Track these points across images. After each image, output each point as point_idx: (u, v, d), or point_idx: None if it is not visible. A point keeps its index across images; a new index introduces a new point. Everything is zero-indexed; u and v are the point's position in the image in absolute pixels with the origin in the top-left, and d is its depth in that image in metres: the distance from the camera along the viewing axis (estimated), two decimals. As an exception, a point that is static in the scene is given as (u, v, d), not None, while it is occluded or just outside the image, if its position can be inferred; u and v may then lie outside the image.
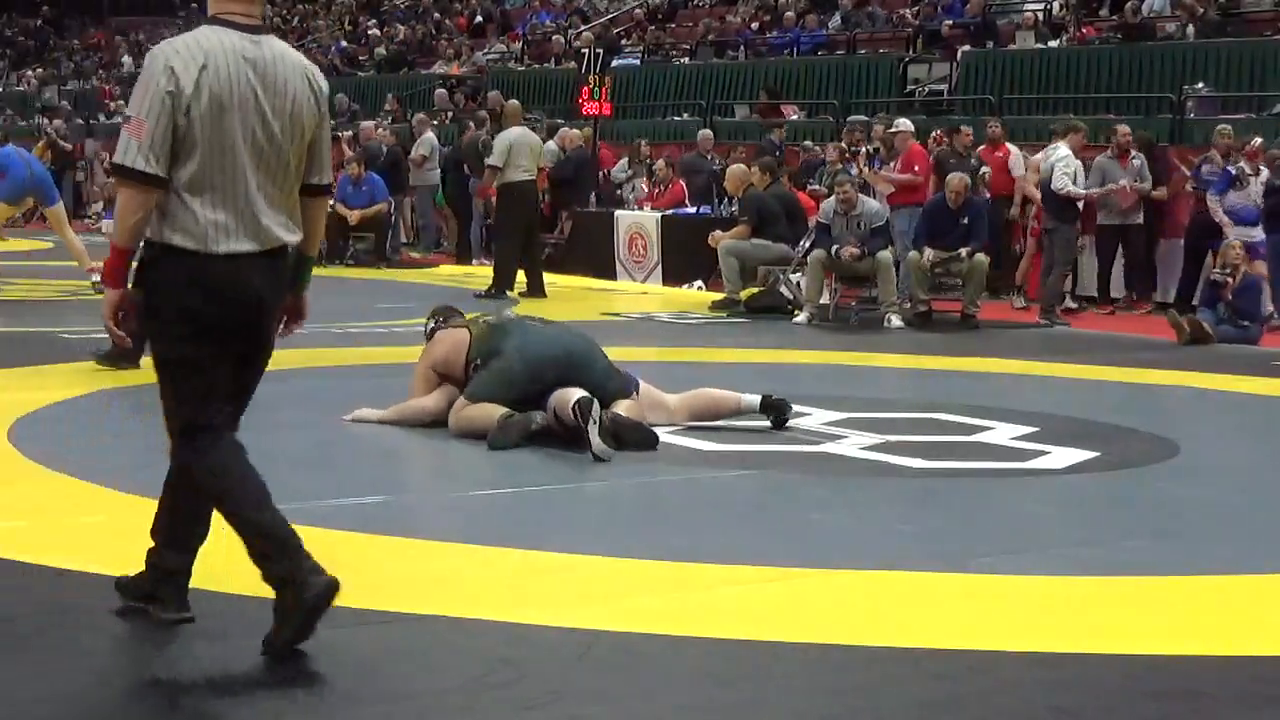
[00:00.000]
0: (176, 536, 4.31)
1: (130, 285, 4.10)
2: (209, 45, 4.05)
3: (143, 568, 4.36)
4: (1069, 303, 14.68)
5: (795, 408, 8.20)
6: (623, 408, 7.25)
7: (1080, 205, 14.15)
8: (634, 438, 7.09)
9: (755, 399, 7.75)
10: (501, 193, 15.09)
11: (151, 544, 4.34)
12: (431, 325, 7.88)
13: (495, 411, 7.10)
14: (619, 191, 19.64)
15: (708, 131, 19.44)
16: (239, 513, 4.11)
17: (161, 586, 4.30)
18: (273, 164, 4.13)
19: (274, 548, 4.06)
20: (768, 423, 7.74)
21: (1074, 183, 13.79)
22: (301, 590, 4.00)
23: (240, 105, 4.05)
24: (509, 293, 14.59)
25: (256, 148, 4.08)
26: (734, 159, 16.55)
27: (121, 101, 33.19)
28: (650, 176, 18.97)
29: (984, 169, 15.45)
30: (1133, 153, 14.65)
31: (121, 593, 4.41)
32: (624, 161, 20.12)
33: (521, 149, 14.92)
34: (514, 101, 17.01)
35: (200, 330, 4.06)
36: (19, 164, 13.97)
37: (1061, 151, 13.85)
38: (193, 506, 4.28)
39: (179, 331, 4.07)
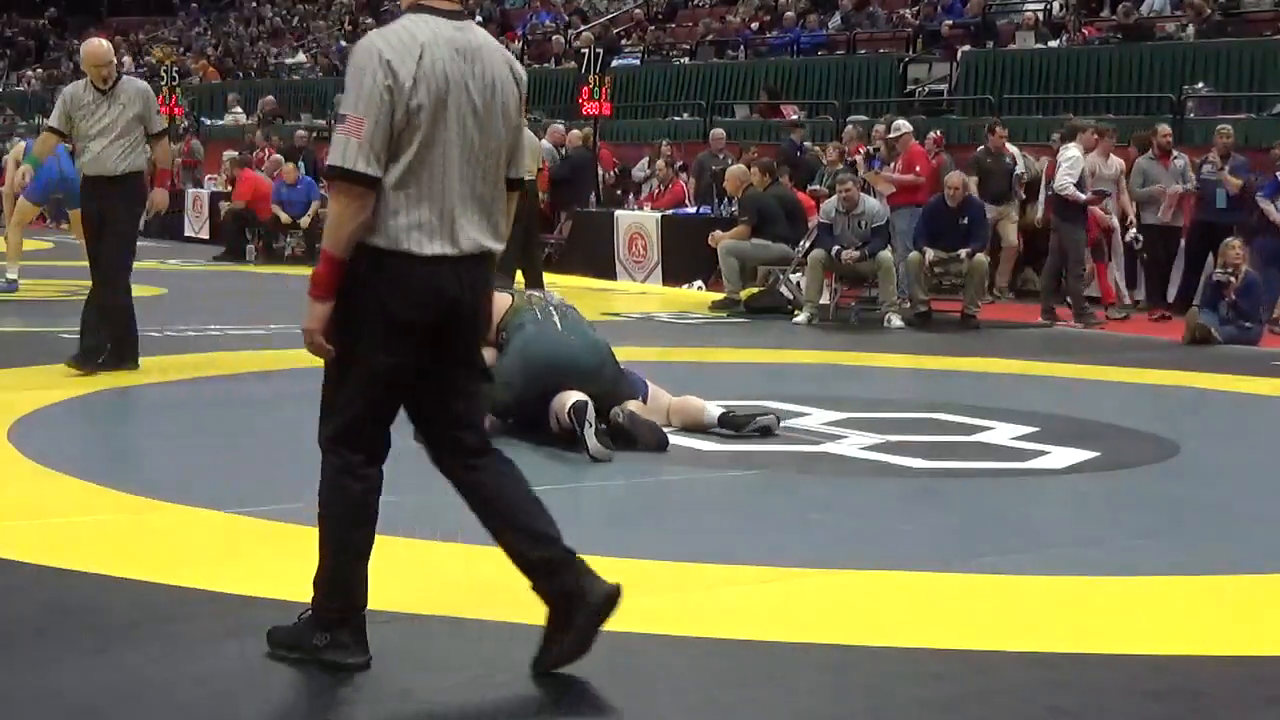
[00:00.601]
0: (530, 531, 4.03)
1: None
2: (422, 35, 3.78)
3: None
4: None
5: (795, 408, 8.21)
6: (633, 407, 7.26)
7: (1102, 207, 14.09)
8: (647, 438, 7.09)
9: (716, 414, 7.63)
10: None
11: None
12: None
13: None
14: (639, 190, 19.64)
15: (720, 131, 19.40)
16: (330, 561, 3.94)
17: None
18: (483, 160, 3.87)
19: (340, 603, 3.93)
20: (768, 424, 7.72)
21: (1079, 185, 13.70)
22: (337, 652, 3.90)
23: (455, 98, 3.79)
24: None
25: (467, 143, 3.82)
26: (746, 159, 16.49)
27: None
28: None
29: (1020, 169, 15.35)
30: (1174, 153, 14.48)
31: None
32: (645, 160, 20.06)
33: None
34: None
35: (392, 338, 3.80)
36: (50, 161, 13.82)
37: (1070, 153, 13.68)
38: (519, 492, 4.05)
39: (369, 337, 3.80)
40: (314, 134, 23.87)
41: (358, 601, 3.93)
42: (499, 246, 3.94)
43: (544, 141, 18.19)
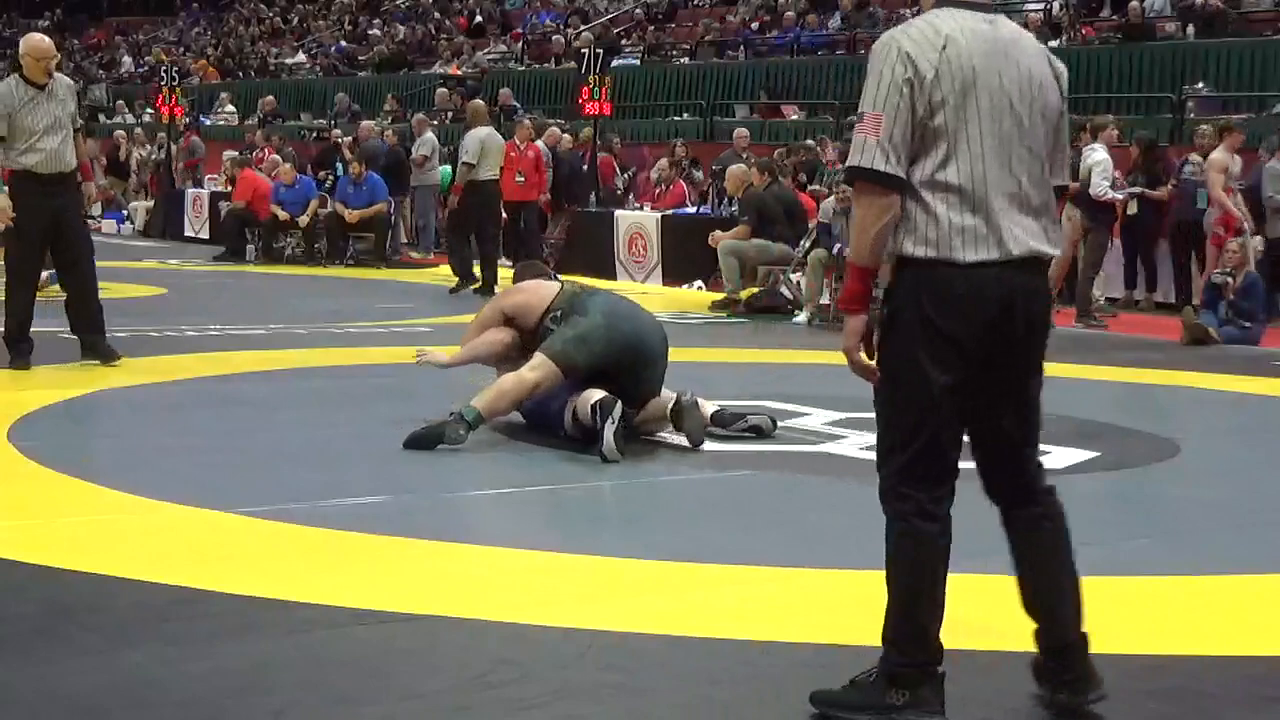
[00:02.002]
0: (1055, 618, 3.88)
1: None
2: (946, 28, 3.58)
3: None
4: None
5: (795, 407, 8.21)
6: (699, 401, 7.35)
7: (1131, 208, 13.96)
8: (695, 431, 7.14)
9: (709, 412, 7.53)
10: (471, 190, 15.17)
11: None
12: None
13: (512, 391, 7.08)
14: (640, 189, 19.62)
15: (744, 130, 19.30)
16: (904, 613, 3.71)
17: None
18: (1024, 158, 3.63)
19: (921, 657, 3.68)
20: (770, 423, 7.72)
21: (1112, 186, 13.58)
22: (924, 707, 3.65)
23: (985, 92, 3.57)
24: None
25: (1003, 140, 3.59)
26: (795, 161, 16.37)
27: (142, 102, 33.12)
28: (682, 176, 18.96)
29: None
30: None
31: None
32: (662, 162, 19.98)
33: (489, 148, 15.08)
34: (478, 101, 17.12)
35: (943, 354, 3.60)
36: None
37: (1099, 155, 13.50)
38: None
39: (919, 357, 3.60)
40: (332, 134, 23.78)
41: (937, 654, 3.69)
42: (1054, 251, 3.75)
43: (539, 142, 18.23)
